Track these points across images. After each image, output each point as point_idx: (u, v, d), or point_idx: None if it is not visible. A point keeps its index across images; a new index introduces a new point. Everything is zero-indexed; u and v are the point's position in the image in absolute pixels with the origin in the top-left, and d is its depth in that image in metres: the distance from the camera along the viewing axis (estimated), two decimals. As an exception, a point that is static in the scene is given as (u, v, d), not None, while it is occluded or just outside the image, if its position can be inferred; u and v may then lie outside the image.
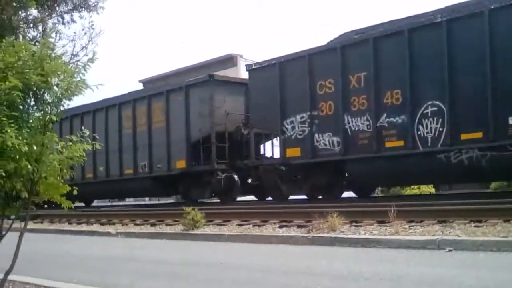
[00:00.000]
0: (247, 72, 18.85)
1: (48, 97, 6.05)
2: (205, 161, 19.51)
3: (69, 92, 5.91)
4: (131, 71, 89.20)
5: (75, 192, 6.51)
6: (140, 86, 39.80)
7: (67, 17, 28.36)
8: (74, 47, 27.46)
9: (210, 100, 19.42)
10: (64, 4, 27.70)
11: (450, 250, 7.78)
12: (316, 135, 16.37)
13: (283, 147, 17.42)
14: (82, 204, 28.55)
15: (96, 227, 15.62)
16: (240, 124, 19.55)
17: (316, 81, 16.38)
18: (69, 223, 17.27)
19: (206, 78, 20.04)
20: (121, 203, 32.82)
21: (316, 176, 16.93)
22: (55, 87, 5.97)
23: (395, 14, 78.25)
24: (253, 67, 18.59)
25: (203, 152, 19.50)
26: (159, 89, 22.32)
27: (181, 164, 20.33)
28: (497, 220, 9.18)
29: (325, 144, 16.13)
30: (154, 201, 32.71)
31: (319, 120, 16.35)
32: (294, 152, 16.98)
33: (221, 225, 12.79)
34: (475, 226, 9.05)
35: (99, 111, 24.08)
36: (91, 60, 6.10)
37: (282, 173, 17.73)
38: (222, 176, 19.24)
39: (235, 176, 19.59)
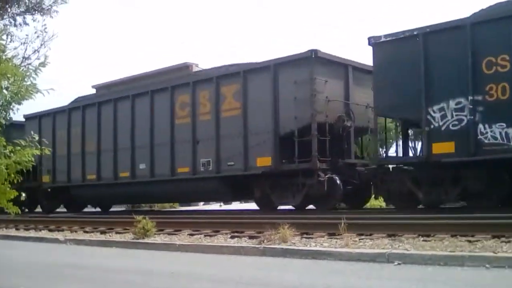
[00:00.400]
0: (371, 46, 14.93)
1: (-4, 100, 5.92)
2: (301, 158, 16.00)
3: (19, 95, 5.82)
4: (84, 76, 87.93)
5: (22, 198, 6.36)
6: (93, 91, 39.08)
7: (19, 19, 27.85)
8: (25, 50, 27.06)
9: (311, 82, 15.85)
10: (16, 5, 27.15)
11: (399, 264, 7.87)
12: (480, 125, 12.98)
13: (428, 141, 13.81)
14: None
15: (44, 234, 15.26)
16: (342, 114, 16.54)
17: (481, 58, 13.02)
18: (16, 229, 16.80)
19: (307, 54, 16.03)
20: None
21: (472, 179, 13.55)
22: (4, 90, 5.86)
23: (396, 14, 79.23)
24: (382, 39, 14.71)
25: (299, 146, 16.13)
26: (231, 70, 18.48)
27: (264, 161, 16.73)
28: (444, 235, 9.35)
29: (494, 138, 12.78)
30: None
31: (485, 106, 12.96)
32: (445, 147, 13.47)
33: (172, 234, 12.66)
34: (423, 241, 9.19)
35: (141, 97, 20.80)
36: (43, 64, 6.01)
37: (420, 175, 14.37)
38: (325, 177, 15.77)
39: (337, 178, 16.09)
